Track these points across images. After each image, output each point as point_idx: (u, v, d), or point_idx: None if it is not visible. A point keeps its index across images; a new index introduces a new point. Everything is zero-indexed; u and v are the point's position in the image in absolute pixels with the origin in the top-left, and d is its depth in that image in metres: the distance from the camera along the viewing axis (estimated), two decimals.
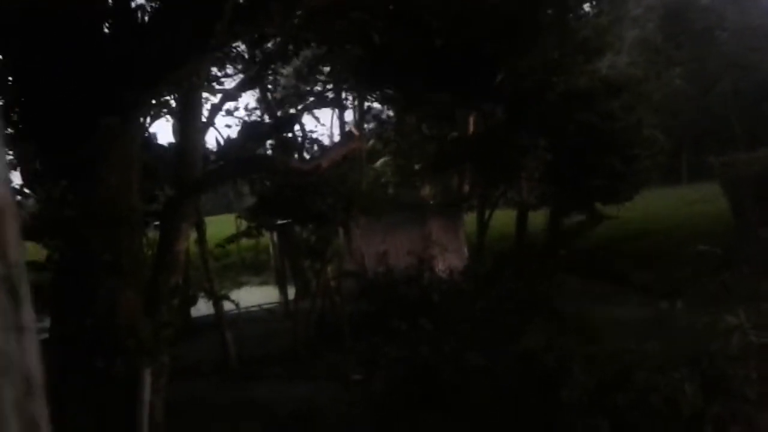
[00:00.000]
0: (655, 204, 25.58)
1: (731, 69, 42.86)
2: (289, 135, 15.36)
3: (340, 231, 14.23)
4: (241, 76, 15.35)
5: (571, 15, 15.53)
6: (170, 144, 11.15)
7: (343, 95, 21.15)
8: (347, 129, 20.58)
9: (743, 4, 44.66)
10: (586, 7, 17.21)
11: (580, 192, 18.62)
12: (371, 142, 22.72)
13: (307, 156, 14.88)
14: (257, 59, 14.08)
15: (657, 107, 28.15)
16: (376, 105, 21.31)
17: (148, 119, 13.60)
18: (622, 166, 17.84)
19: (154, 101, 9.53)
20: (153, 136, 10.98)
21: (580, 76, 17.95)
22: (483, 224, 18.46)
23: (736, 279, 11.43)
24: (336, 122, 24.05)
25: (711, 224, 19.39)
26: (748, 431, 5.99)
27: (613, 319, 10.43)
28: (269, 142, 15.36)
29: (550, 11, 14.59)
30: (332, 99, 21.29)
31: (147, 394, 5.41)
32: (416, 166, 20.62)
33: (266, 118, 19.66)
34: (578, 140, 17.49)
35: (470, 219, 19.05)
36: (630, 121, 18.28)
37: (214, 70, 15.04)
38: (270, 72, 16.75)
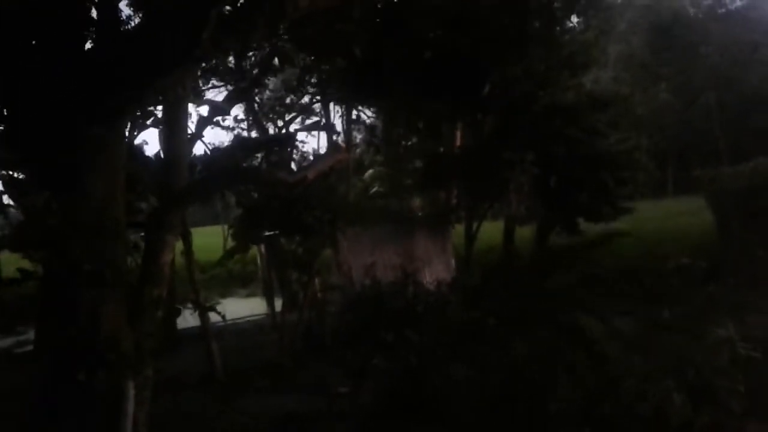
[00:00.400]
0: (641, 217, 25.71)
1: (715, 83, 43.35)
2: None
3: (328, 243, 14.17)
4: (229, 88, 15.35)
5: (558, 28, 15.64)
6: (157, 155, 11.10)
7: (331, 106, 21.17)
8: (334, 140, 20.56)
9: (727, 19, 45.22)
10: (574, 20, 17.35)
11: (566, 208, 18.71)
12: (358, 150, 22.78)
13: (294, 167, 14.86)
14: (245, 71, 14.09)
15: (643, 122, 28.43)
16: (364, 116, 21.35)
17: (135, 130, 13.56)
18: (612, 183, 17.97)
19: (139, 111, 9.49)
20: (139, 147, 10.93)
21: (566, 90, 18.07)
22: (471, 236, 18.46)
23: (721, 291, 11.50)
24: (324, 133, 24.02)
25: (697, 237, 19.53)
26: None
27: (602, 330, 10.43)
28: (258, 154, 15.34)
29: (537, 23, 14.68)
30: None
31: (131, 407, 5.33)
32: (405, 180, 20.64)
33: (254, 129, 19.65)
34: (564, 155, 17.59)
35: (458, 231, 19.06)
36: (621, 144, 18.42)
37: (201, 82, 15.06)
38: (259, 84, 16.77)
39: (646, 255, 19.76)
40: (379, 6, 14.57)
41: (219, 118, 19.31)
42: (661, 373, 6.50)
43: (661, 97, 44.27)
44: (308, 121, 22.69)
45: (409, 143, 21.45)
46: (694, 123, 44.86)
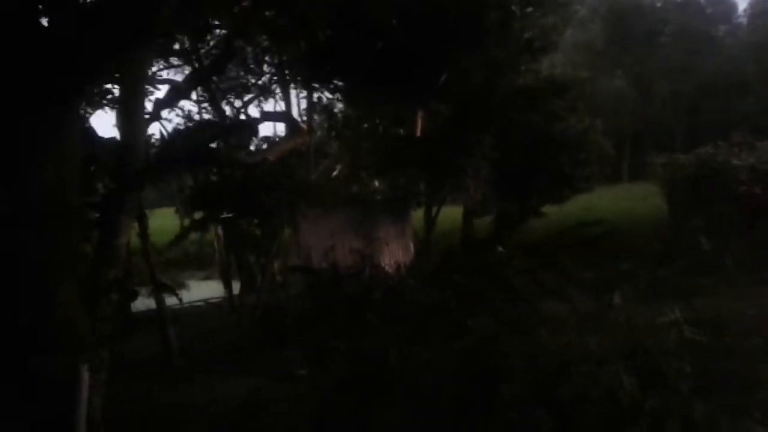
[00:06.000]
0: (596, 201, 26.27)
1: (671, 72, 44.29)
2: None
3: (287, 225, 14.07)
4: (187, 69, 15.02)
5: (515, 18, 15.70)
6: (112, 136, 10.86)
7: (291, 87, 20.93)
8: (295, 123, 20.31)
9: (685, 9, 46.12)
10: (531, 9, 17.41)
11: (524, 192, 18.98)
12: (319, 133, 22.61)
13: (253, 149, 14.67)
14: (203, 52, 13.80)
15: (598, 108, 28.88)
16: (325, 98, 21.13)
17: (90, 109, 13.21)
18: (569, 167, 18.28)
19: (95, 91, 9.24)
20: (92, 128, 10.64)
21: (525, 74, 18.24)
22: (430, 220, 18.59)
23: (672, 274, 11.82)
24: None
25: (649, 221, 20.03)
26: (682, 424, 6.19)
27: (555, 313, 10.64)
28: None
29: (492, 15, 14.71)
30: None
31: (85, 392, 5.25)
32: (365, 164, 20.59)
33: (211, 110, 19.31)
34: (523, 139, 17.81)
35: (418, 214, 19.18)
36: (577, 126, 18.72)
37: (161, 63, 14.72)
38: (221, 66, 16.45)
39: (599, 238, 20.17)
40: None
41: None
42: (614, 357, 6.66)
43: (615, 84, 45.04)
44: (266, 106, 22.36)
45: (370, 127, 21.37)
46: (649, 111, 45.84)
